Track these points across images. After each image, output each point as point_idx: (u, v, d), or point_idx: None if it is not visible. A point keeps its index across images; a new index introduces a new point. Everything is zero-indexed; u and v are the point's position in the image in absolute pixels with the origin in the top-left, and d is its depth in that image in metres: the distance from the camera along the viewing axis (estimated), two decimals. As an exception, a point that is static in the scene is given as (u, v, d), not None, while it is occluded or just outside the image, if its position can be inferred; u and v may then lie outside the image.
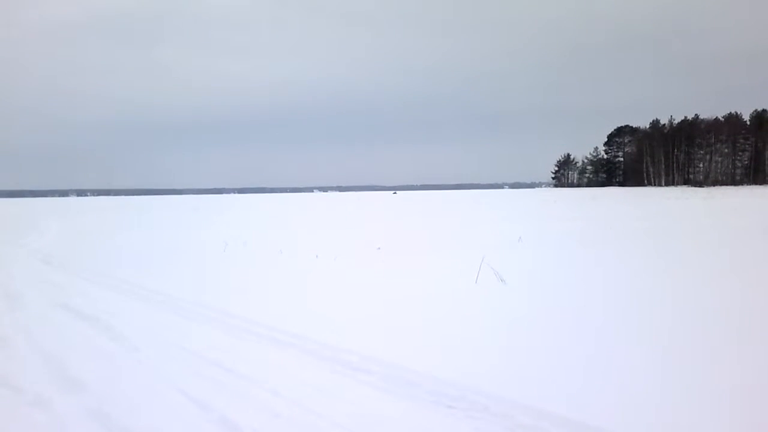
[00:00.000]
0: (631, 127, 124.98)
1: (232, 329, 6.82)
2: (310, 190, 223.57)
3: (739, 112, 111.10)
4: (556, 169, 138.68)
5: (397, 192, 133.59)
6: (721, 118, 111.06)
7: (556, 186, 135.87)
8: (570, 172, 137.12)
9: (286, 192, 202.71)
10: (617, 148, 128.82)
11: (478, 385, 4.63)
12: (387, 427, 4.06)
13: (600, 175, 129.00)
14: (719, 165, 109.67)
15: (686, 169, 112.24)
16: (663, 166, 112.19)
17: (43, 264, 13.90)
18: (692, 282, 8.91)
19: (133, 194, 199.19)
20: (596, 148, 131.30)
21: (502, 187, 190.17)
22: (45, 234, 24.32)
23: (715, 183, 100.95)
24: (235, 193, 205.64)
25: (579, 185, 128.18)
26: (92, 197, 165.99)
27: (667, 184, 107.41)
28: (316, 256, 13.35)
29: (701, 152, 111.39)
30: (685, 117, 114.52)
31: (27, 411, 4.52)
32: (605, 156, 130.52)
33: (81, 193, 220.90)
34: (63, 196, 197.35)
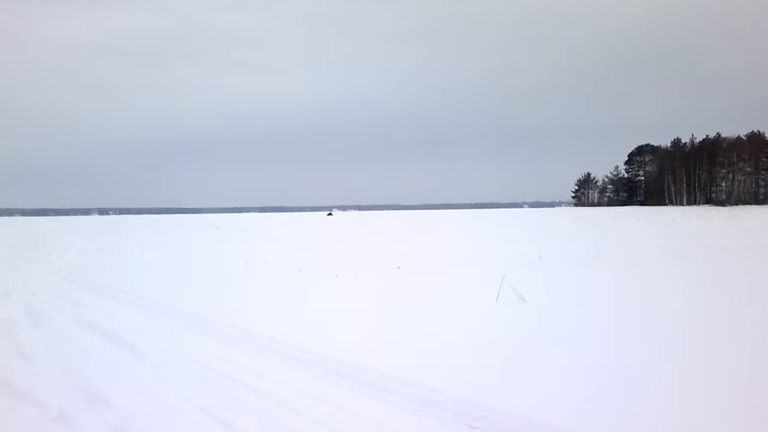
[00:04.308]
0: (652, 145, 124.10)
1: (252, 347, 6.83)
2: (329, 209, 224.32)
3: (761, 131, 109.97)
4: (576, 188, 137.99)
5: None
6: (743, 137, 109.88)
7: (576, 205, 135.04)
8: (590, 191, 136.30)
9: (305, 211, 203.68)
10: (638, 166, 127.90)
11: (499, 405, 4.57)
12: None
13: (621, 194, 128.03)
14: (742, 184, 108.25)
15: (708, 188, 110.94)
16: (684, 185, 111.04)
17: (65, 282, 14.05)
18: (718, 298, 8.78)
19: (154, 213, 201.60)
20: (617, 167, 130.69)
21: (522, 206, 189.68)
22: (68, 252, 24.64)
23: (738, 202, 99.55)
24: (255, 212, 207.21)
25: (599, 204, 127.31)
26: (114, 216, 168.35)
27: (688, 204, 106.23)
28: (336, 275, 13.35)
29: (723, 171, 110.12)
30: (707, 135, 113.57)
31: (51, 427, 4.55)
32: (626, 175, 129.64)
33: (103, 211, 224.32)
34: (85, 214, 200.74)
